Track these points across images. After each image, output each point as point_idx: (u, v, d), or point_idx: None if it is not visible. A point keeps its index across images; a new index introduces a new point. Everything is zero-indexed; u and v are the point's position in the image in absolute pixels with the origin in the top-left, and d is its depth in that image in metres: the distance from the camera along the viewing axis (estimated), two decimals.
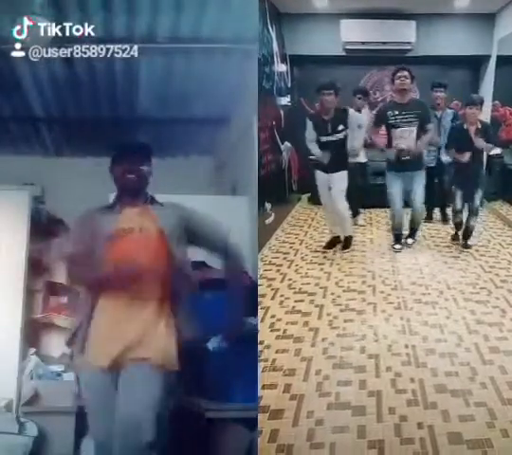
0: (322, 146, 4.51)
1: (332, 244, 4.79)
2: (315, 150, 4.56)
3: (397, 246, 4.78)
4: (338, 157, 4.48)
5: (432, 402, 2.51)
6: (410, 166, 4.53)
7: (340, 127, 4.43)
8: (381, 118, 4.62)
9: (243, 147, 4.17)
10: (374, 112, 4.92)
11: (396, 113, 4.49)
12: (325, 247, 4.76)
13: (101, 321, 2.31)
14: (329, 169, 4.52)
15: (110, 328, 2.29)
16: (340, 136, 4.45)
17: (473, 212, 4.64)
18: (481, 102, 4.61)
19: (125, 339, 2.27)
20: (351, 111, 4.50)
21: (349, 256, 4.59)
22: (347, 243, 4.75)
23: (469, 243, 4.75)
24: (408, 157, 4.48)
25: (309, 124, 4.53)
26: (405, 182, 4.61)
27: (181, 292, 2.39)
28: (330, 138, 4.47)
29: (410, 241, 4.86)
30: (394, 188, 4.66)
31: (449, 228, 5.14)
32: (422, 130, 4.50)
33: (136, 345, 2.26)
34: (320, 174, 4.62)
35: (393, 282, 4.02)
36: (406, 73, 4.45)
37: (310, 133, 4.54)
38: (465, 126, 4.49)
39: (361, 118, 4.71)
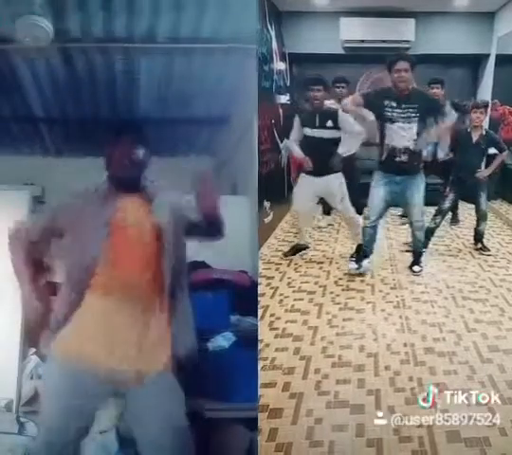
0: (310, 142, 4.17)
1: (294, 251, 4.50)
2: (295, 149, 4.26)
3: (353, 266, 4.11)
4: (329, 158, 4.12)
5: None
6: (403, 170, 3.89)
7: (329, 123, 4.08)
8: (375, 103, 3.85)
9: (243, 147, 4.16)
10: (367, 91, 4.02)
11: (394, 105, 3.77)
12: (287, 255, 4.49)
13: (89, 320, 2.14)
14: (322, 172, 4.15)
15: (102, 331, 2.12)
16: (332, 135, 4.09)
17: (482, 217, 4.57)
18: (486, 106, 4.48)
19: (123, 347, 2.11)
20: (341, 112, 4.08)
21: (347, 255, 4.53)
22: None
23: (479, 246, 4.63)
24: (403, 159, 3.86)
25: (296, 121, 4.24)
26: (394, 189, 3.94)
27: (178, 294, 2.22)
28: (320, 133, 4.11)
29: (416, 268, 4.17)
30: (375, 194, 3.97)
31: (449, 227, 5.13)
32: (424, 126, 3.84)
33: (134, 355, 2.11)
34: (306, 179, 4.28)
35: (391, 281, 4.02)
36: (406, 65, 3.69)
37: (296, 131, 4.25)
38: (468, 129, 4.42)
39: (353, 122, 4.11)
